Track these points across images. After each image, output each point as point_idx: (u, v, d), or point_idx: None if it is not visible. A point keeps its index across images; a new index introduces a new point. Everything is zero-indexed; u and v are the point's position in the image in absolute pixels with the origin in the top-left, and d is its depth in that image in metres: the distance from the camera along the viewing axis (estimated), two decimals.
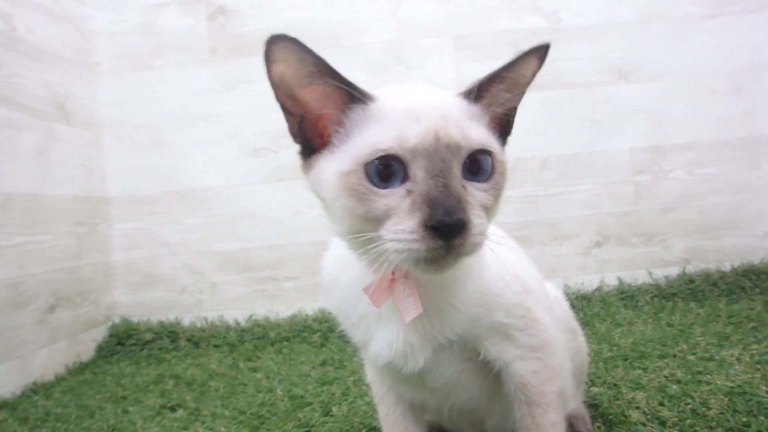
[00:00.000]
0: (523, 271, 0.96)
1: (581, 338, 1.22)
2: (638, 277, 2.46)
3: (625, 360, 1.60)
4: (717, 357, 1.53)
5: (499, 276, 0.89)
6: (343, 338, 2.19)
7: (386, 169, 0.70)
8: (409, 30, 2.44)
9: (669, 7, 2.46)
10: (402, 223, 0.67)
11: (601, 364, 1.59)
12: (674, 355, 1.59)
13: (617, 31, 2.46)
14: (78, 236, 2.24)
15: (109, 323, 2.41)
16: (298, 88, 0.75)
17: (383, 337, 0.83)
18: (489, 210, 0.74)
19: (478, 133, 0.73)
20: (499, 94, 0.79)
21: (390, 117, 0.73)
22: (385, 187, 0.70)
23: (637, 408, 1.23)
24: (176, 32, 2.44)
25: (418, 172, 0.69)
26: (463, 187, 0.71)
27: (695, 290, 2.33)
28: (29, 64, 2.06)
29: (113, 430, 1.43)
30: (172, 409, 1.58)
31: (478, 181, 0.73)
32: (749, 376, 1.34)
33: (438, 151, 0.69)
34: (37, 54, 2.11)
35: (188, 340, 2.32)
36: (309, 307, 2.43)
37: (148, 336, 2.33)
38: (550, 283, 1.22)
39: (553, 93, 2.45)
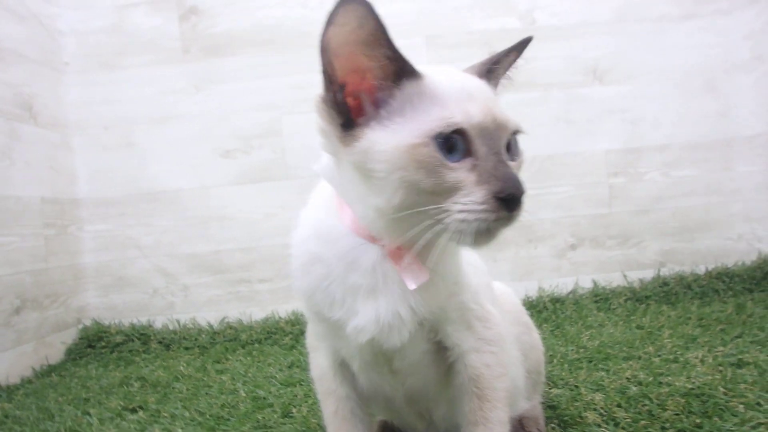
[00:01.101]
0: (473, 266, 1.00)
1: (535, 334, 1.25)
2: (613, 279, 2.50)
3: (590, 362, 1.65)
4: (681, 359, 1.57)
5: (464, 259, 0.94)
6: None
7: (450, 143, 0.74)
8: None
9: (644, 8, 2.50)
10: (472, 194, 0.72)
11: (566, 366, 1.63)
12: (639, 357, 1.63)
13: (592, 32, 2.50)
14: (46, 238, 2.27)
15: (80, 326, 2.44)
16: (359, 52, 0.76)
17: (370, 311, 0.85)
18: None
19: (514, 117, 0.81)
20: (494, 78, 0.88)
21: (448, 94, 0.76)
22: (452, 160, 0.73)
23: (594, 409, 1.27)
24: (147, 32, 2.46)
25: (480, 148, 0.74)
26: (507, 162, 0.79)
27: (669, 293, 2.38)
28: None
29: (69, 430, 1.46)
30: (133, 410, 1.61)
31: (512, 159, 0.80)
32: (710, 377, 1.38)
33: (496, 129, 0.76)
34: (1, 53, 2.13)
35: (159, 342, 2.35)
36: (282, 309, 2.47)
37: (119, 338, 2.36)
38: (496, 282, 1.25)
39: (528, 94, 2.49)
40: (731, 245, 2.51)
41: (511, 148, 0.80)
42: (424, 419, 1.06)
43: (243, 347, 2.24)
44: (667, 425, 1.16)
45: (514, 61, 0.91)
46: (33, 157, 2.25)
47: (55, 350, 2.28)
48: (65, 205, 2.42)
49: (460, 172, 0.73)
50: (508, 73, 0.92)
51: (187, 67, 2.49)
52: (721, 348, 1.62)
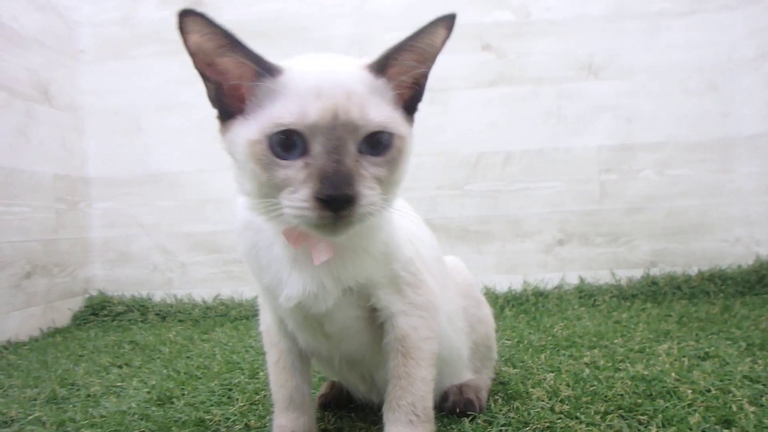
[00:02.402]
0: (417, 239, 1.11)
1: (486, 310, 1.35)
2: (600, 277, 2.60)
3: (554, 348, 1.75)
4: (648, 350, 1.65)
5: (400, 233, 1.03)
6: None
7: (288, 141, 0.80)
8: (375, 23, 2.66)
9: (643, 3, 2.58)
10: (297, 192, 0.79)
11: (530, 350, 1.73)
12: (605, 347, 1.72)
13: (587, 27, 2.61)
14: (57, 212, 2.57)
15: (87, 295, 2.73)
16: (213, 56, 0.86)
17: (296, 279, 0.95)
18: (385, 182, 0.84)
19: (378, 112, 0.82)
20: (407, 63, 0.88)
21: (295, 91, 0.82)
22: (285, 158, 0.80)
23: (542, 387, 1.36)
24: (155, 24, 2.73)
25: (316, 147, 0.80)
26: (358, 161, 0.81)
27: (657, 292, 2.46)
28: (12, 48, 2.37)
29: (59, 378, 1.70)
30: (119, 366, 1.84)
31: (375, 155, 0.83)
32: (667, 366, 1.46)
33: (335, 129, 0.79)
34: (21, 40, 2.42)
35: (156, 314, 2.61)
36: None
37: (120, 308, 2.64)
38: (450, 256, 1.37)
39: (519, 88, 2.62)
40: (727, 248, 2.57)
41: (374, 144, 0.83)
42: (365, 381, 1.18)
43: (231, 322, 2.48)
44: (608, 402, 1.24)
45: (431, 50, 0.90)
46: (47, 137, 2.55)
47: (61, 315, 2.57)
48: (76, 183, 2.73)
49: (290, 170, 0.80)
50: (419, 68, 0.90)
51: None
52: (692, 342, 1.70)
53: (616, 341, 1.78)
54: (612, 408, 1.21)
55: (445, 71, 2.66)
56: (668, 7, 2.57)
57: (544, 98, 2.62)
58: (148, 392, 1.51)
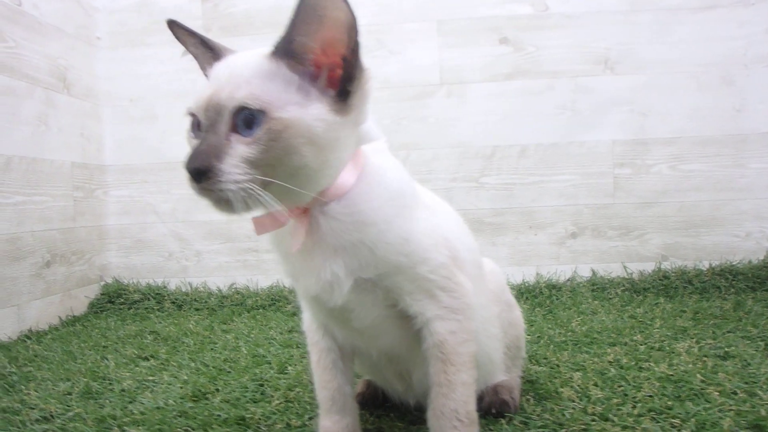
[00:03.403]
0: (454, 239, 1.09)
1: (517, 312, 1.36)
2: (612, 270, 2.62)
3: (575, 344, 1.77)
4: (667, 348, 1.67)
5: (428, 233, 1.00)
6: None
7: (196, 121, 0.90)
8: (392, 13, 2.63)
9: None
10: None
11: (551, 347, 1.75)
12: (625, 344, 1.74)
13: (604, 20, 2.58)
14: (75, 200, 2.55)
15: (102, 282, 2.73)
16: (187, 45, 1.04)
17: (311, 269, 0.96)
18: (259, 163, 0.83)
19: (247, 91, 0.83)
20: (306, 43, 0.86)
21: (209, 78, 0.92)
22: (194, 136, 0.90)
23: (571, 386, 1.38)
24: (171, 11, 2.67)
25: (202, 127, 0.87)
26: (227, 141, 0.84)
27: (668, 286, 2.48)
28: (33, 36, 2.33)
29: (90, 371, 1.71)
30: (146, 359, 1.85)
31: (246, 135, 0.84)
32: (691, 366, 1.48)
33: (207, 111, 0.85)
34: (41, 28, 2.38)
35: (172, 302, 2.62)
36: (287, 279, 2.68)
37: (136, 296, 2.64)
38: (487, 259, 1.37)
39: (535, 81, 2.61)
40: (738, 243, 2.59)
41: (249, 124, 0.83)
42: (404, 380, 1.18)
43: (248, 311, 2.49)
44: (639, 404, 1.25)
45: (326, 21, 0.85)
46: (66, 125, 2.52)
47: (79, 303, 2.57)
48: (93, 170, 2.70)
49: (191, 145, 0.89)
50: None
51: None
52: (710, 340, 1.72)
53: (635, 338, 1.80)
54: (643, 410, 1.23)
55: (461, 63, 2.65)
56: (685, 1, 2.55)
57: (559, 91, 2.61)
58: (182, 387, 1.52)
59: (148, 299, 2.62)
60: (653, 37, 2.57)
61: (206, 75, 0.98)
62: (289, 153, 0.84)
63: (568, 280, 2.61)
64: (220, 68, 0.91)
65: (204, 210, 2.71)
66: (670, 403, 1.26)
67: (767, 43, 2.53)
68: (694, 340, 1.74)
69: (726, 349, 1.62)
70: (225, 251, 2.75)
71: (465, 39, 2.62)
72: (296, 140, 0.84)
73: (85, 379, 1.63)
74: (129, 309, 2.59)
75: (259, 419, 1.30)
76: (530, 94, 2.61)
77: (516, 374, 1.37)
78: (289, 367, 1.67)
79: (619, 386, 1.38)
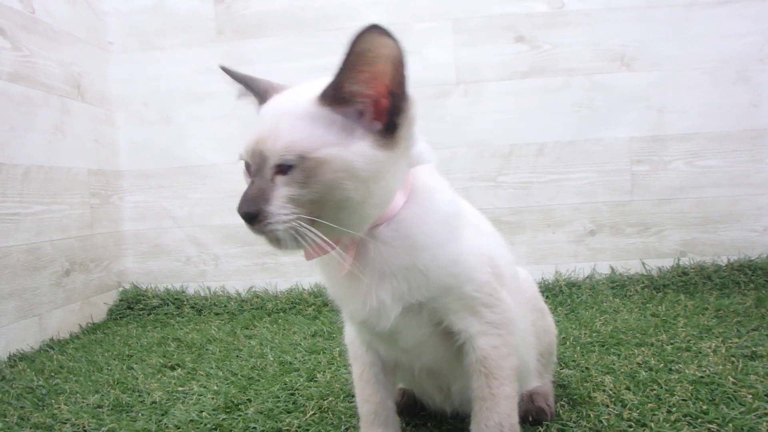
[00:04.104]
0: (497, 255, 1.11)
1: (549, 319, 1.37)
2: (631, 267, 2.62)
3: (602, 346, 1.77)
4: (694, 348, 1.67)
5: (475, 253, 1.02)
6: (336, 312, 2.45)
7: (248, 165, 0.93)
8: (407, 12, 2.61)
9: None
10: None
11: (578, 348, 1.75)
12: (651, 344, 1.74)
13: (620, 17, 2.57)
14: (92, 207, 2.55)
15: (120, 288, 2.74)
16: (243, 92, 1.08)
17: (357, 295, 0.99)
18: (303, 201, 0.86)
19: (290, 142, 0.86)
20: (358, 89, 0.87)
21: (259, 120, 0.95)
22: (247, 178, 0.93)
23: (603, 390, 1.38)
24: (184, 13, 2.67)
25: (251, 172, 0.91)
26: (273, 182, 0.88)
27: (688, 282, 2.48)
28: (47, 44, 2.32)
29: (118, 383, 1.71)
30: (172, 368, 1.86)
31: (286, 174, 0.88)
32: (720, 367, 1.48)
33: (254, 157, 0.89)
34: (54, 34, 2.37)
35: (192, 307, 2.62)
36: (305, 281, 2.70)
37: (155, 302, 2.64)
38: (520, 267, 1.36)
39: (551, 79, 2.60)
40: (756, 238, 2.58)
41: (289, 167, 0.87)
42: (442, 392, 1.20)
43: (269, 315, 2.49)
44: (674, 409, 1.25)
45: (375, 65, 0.85)
46: (81, 132, 2.51)
47: (98, 310, 2.58)
48: (108, 177, 2.70)
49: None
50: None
51: (220, 48, 2.70)
52: (735, 339, 1.72)
53: (660, 338, 1.80)
54: (679, 415, 1.23)
55: (478, 62, 2.64)
56: None
57: (576, 89, 2.60)
58: (213, 398, 1.53)
59: (168, 304, 2.63)
60: (669, 33, 2.55)
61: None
62: (330, 188, 0.87)
63: (587, 277, 2.61)
64: (265, 112, 0.95)
65: (220, 214, 2.75)
66: (704, 407, 1.26)
67: None
68: (720, 339, 1.73)
69: (753, 349, 1.62)
70: (243, 255, 2.75)
71: (481, 37, 2.60)
72: (334, 175, 0.86)
73: (114, 392, 1.63)
74: (149, 315, 2.59)
75: (297, 430, 1.30)
76: (547, 92, 2.60)
77: (548, 380, 1.37)
78: (318, 375, 1.68)
79: (652, 390, 1.39)
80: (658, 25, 2.55)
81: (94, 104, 2.62)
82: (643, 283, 2.51)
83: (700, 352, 1.63)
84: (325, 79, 0.92)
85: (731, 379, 1.40)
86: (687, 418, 1.23)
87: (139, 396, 1.60)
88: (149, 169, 2.77)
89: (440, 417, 1.32)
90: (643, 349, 1.71)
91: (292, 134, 0.87)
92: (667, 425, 1.20)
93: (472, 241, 1.03)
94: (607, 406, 1.31)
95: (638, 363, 1.59)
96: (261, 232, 0.88)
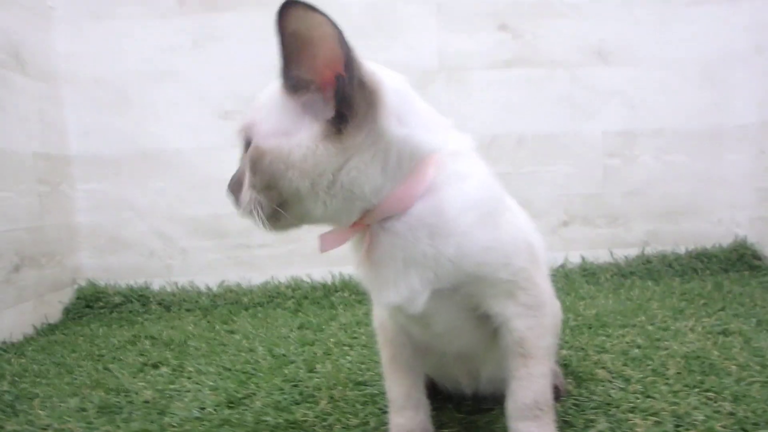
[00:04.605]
0: (534, 240, 1.15)
1: (557, 302, 1.42)
2: (600, 256, 2.80)
3: (590, 328, 1.90)
4: (672, 327, 1.84)
5: (512, 239, 1.03)
6: (318, 305, 2.45)
7: None
8: None
9: None
10: None
11: (567, 331, 1.87)
12: (634, 325, 1.89)
13: (601, 11, 2.70)
14: (40, 195, 2.38)
15: (76, 285, 2.59)
16: None
17: (385, 280, 1.01)
18: (258, 187, 0.92)
19: (247, 121, 0.94)
20: (299, 73, 0.87)
21: None
22: None
23: (604, 368, 1.50)
24: None
25: None
26: (246, 167, 0.95)
27: (652, 270, 2.69)
28: None
29: (98, 384, 1.63)
30: (155, 366, 1.78)
31: None
32: (702, 343, 1.64)
33: (239, 138, 0.96)
34: None
35: (159, 303, 2.53)
36: (281, 274, 2.66)
37: (117, 299, 2.53)
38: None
39: (534, 70, 2.70)
40: (711, 229, 2.82)
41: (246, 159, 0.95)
42: (471, 376, 1.25)
43: (246, 309, 2.45)
44: (672, 381, 1.39)
45: (311, 42, 0.85)
46: (24, 110, 2.31)
47: (53, 309, 2.44)
48: (57, 162, 2.52)
49: None
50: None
51: (184, 22, 2.56)
52: (706, 319, 1.90)
53: (641, 319, 1.96)
54: (679, 386, 1.36)
55: (461, 50, 2.69)
56: None
57: (558, 82, 2.71)
58: (212, 394, 1.50)
59: (131, 301, 2.52)
60: (645, 30, 2.71)
61: None
62: (273, 178, 0.91)
63: (561, 266, 2.76)
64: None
65: (188, 204, 2.65)
66: (698, 377, 1.41)
67: (748, 40, 2.73)
68: (693, 319, 1.92)
69: (725, 327, 1.81)
70: (214, 248, 2.67)
71: (465, 23, 2.65)
72: (273, 166, 0.90)
73: (96, 393, 1.56)
74: (111, 313, 2.47)
75: (314, 422, 1.31)
76: (529, 83, 2.69)
77: (553, 360, 1.46)
78: (318, 366, 1.68)
79: (647, 365, 1.52)
80: (636, 21, 2.70)
81: (38, 79, 2.41)
82: (611, 271, 2.70)
83: (679, 331, 1.80)
84: None
85: (716, 353, 1.56)
86: (686, 388, 1.36)
87: (127, 396, 1.54)
88: (104, 155, 2.61)
89: (458, 399, 1.37)
90: (627, 329, 1.86)
91: (253, 116, 0.94)
92: (671, 395, 1.32)
93: (511, 226, 1.06)
94: (611, 382, 1.42)
95: (627, 343, 1.73)
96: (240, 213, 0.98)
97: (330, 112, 0.87)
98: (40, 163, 2.40)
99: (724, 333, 1.75)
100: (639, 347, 1.66)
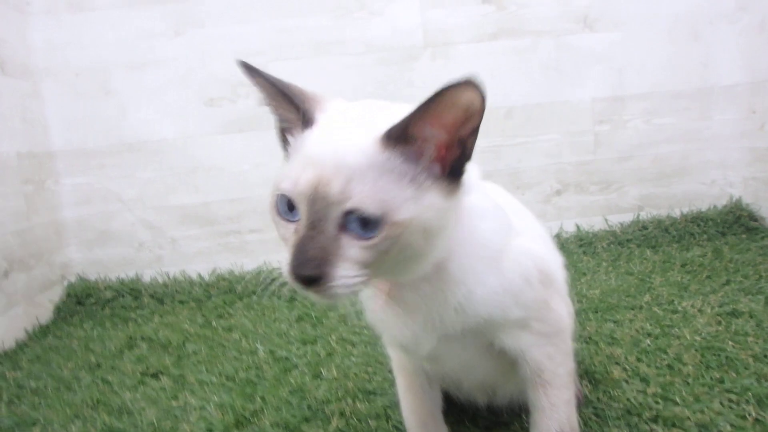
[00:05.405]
0: (548, 261, 1.02)
1: (571, 304, 1.30)
2: (595, 223, 2.68)
3: (596, 312, 1.78)
4: (680, 309, 1.71)
5: (522, 274, 0.93)
6: None
7: (290, 203, 0.77)
8: None
9: None
10: (286, 255, 0.77)
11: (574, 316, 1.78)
12: (641, 307, 1.77)
13: None
14: (26, 195, 2.18)
15: (65, 282, 2.41)
16: (270, 101, 0.85)
17: (393, 322, 0.94)
18: (371, 264, 0.76)
19: (363, 191, 0.73)
20: (430, 134, 0.76)
21: (303, 153, 0.79)
22: (286, 218, 0.78)
23: (618, 364, 1.38)
24: None
25: (303, 215, 0.75)
26: (338, 239, 0.74)
27: (648, 236, 2.58)
28: None
29: (99, 403, 1.49)
30: (154, 376, 1.65)
31: (361, 236, 0.75)
32: (713, 329, 1.52)
33: (315, 202, 0.74)
34: None
35: (151, 296, 2.37)
36: (274, 259, 2.50)
37: (109, 294, 2.36)
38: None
39: (519, 41, 2.51)
40: (704, 190, 2.70)
41: (365, 224, 0.74)
42: (487, 395, 1.14)
43: (241, 300, 2.31)
44: (690, 380, 1.27)
45: (458, 117, 0.75)
46: (5, 109, 2.11)
47: (44, 309, 2.27)
48: (41, 159, 2.31)
49: (287, 230, 0.78)
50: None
51: (164, 8, 2.34)
52: (712, 296, 1.78)
53: (645, 299, 1.84)
54: (698, 387, 1.26)
55: (445, 24, 2.49)
56: None
57: (543, 50, 2.53)
58: (218, 412, 1.37)
59: (123, 296, 2.36)
60: None
61: (285, 136, 0.85)
62: (403, 249, 0.77)
63: (556, 236, 2.64)
64: (323, 149, 0.77)
65: (176, 193, 2.46)
66: (717, 374, 1.30)
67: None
68: (700, 298, 1.79)
69: (733, 306, 1.69)
70: (203, 236, 2.50)
71: (447, 10, 2.45)
72: (413, 237, 0.76)
73: (99, 416, 1.42)
74: (103, 309, 2.31)
75: None
76: (514, 54, 2.51)
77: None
78: (323, 370, 1.56)
79: (662, 360, 1.41)
80: None
81: (17, 76, 2.20)
82: (608, 239, 2.59)
83: (687, 313, 1.69)
84: (379, 104, 0.84)
85: (730, 342, 1.45)
86: (706, 389, 1.25)
87: (130, 417, 1.40)
88: (88, 148, 2.40)
89: (473, 412, 1.26)
90: (635, 312, 1.75)
91: (366, 185, 0.74)
92: (692, 399, 1.22)
93: (520, 256, 0.94)
94: (628, 383, 1.31)
95: (637, 330, 1.61)
96: (319, 294, 0.76)
97: (435, 167, 0.78)
98: (25, 162, 2.19)
99: (734, 314, 1.64)
100: (649, 335, 1.55)
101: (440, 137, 0.76)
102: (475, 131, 0.77)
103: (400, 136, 0.75)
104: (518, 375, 1.00)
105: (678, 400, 1.22)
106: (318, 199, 0.74)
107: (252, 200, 2.49)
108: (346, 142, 0.77)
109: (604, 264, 2.31)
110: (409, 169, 0.76)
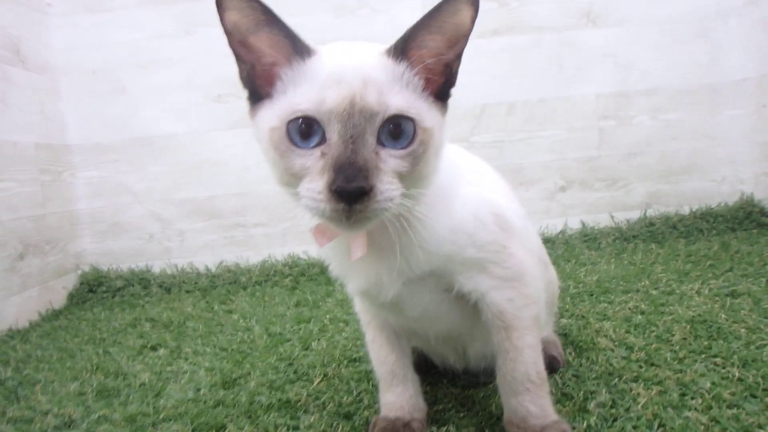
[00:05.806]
0: (504, 209, 1.05)
1: (552, 270, 1.35)
2: (600, 220, 2.67)
3: (591, 295, 1.79)
4: (678, 291, 1.71)
5: (475, 214, 0.97)
6: (315, 281, 2.38)
7: (307, 129, 0.77)
8: None
9: None
10: (313, 182, 0.76)
11: (568, 299, 1.76)
12: (637, 290, 1.77)
13: None
14: (42, 184, 2.33)
15: (79, 271, 2.53)
16: (248, 35, 0.81)
17: (357, 270, 0.96)
18: (407, 176, 0.79)
19: (398, 99, 0.78)
20: (430, 46, 0.82)
21: (317, 77, 0.79)
22: (304, 147, 0.77)
23: (605, 336, 1.40)
24: None
25: (332, 135, 0.76)
26: (377, 153, 0.77)
27: (655, 232, 2.56)
28: None
29: (97, 368, 1.57)
30: (153, 348, 1.73)
31: (396, 147, 0.78)
32: (708, 306, 1.52)
33: (352, 117, 0.75)
34: None
35: (159, 285, 2.46)
36: (278, 252, 2.58)
37: (119, 283, 2.46)
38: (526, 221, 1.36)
39: (521, 37, 2.57)
40: (715, 187, 2.68)
41: (397, 135, 0.79)
42: (457, 354, 1.16)
43: (244, 289, 2.38)
44: (677, 347, 1.28)
45: (456, 30, 0.82)
46: (25, 103, 2.27)
47: (57, 295, 2.38)
48: (58, 151, 2.46)
49: (308, 158, 0.77)
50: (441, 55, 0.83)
51: (174, 9, 2.48)
52: (713, 281, 1.77)
53: (644, 284, 1.84)
54: (684, 353, 1.26)
55: None
56: None
57: (545, 47, 2.58)
58: (208, 375, 1.43)
59: (133, 285, 2.46)
60: None
61: (255, 81, 0.84)
62: (430, 163, 0.83)
63: (560, 232, 2.65)
64: (345, 68, 0.79)
65: (183, 187, 2.57)
66: (705, 343, 1.30)
67: None
68: (700, 282, 1.78)
69: (733, 288, 1.68)
70: (210, 229, 2.59)
71: None
72: (436, 148, 0.83)
73: (96, 377, 1.50)
74: (113, 297, 2.41)
75: (306, 401, 1.23)
76: (517, 50, 2.56)
77: (551, 328, 1.37)
78: (313, 344, 1.60)
79: (651, 332, 1.41)
80: None
81: (37, 72, 2.36)
82: (613, 235, 2.57)
83: (685, 294, 1.68)
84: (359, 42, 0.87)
85: (723, 316, 1.44)
86: (692, 354, 1.25)
87: (125, 379, 1.47)
88: (102, 143, 2.54)
89: (452, 374, 1.28)
90: (630, 294, 1.74)
91: (393, 92, 0.79)
92: (675, 362, 1.22)
93: (473, 200, 0.98)
94: (613, 350, 1.32)
95: (630, 309, 1.61)
96: (363, 211, 0.75)
97: (423, 88, 0.83)
98: (42, 153, 2.34)
99: (732, 295, 1.62)
100: (642, 313, 1.55)
101: (439, 48, 0.82)
102: (459, 56, 0.85)
103: (405, 49, 0.81)
104: (482, 326, 1.01)
105: (661, 363, 1.23)
106: (355, 113, 0.76)
107: (256, 194, 2.58)
108: (366, 60, 0.81)
109: (606, 256, 2.30)
110: (417, 84, 0.82)
